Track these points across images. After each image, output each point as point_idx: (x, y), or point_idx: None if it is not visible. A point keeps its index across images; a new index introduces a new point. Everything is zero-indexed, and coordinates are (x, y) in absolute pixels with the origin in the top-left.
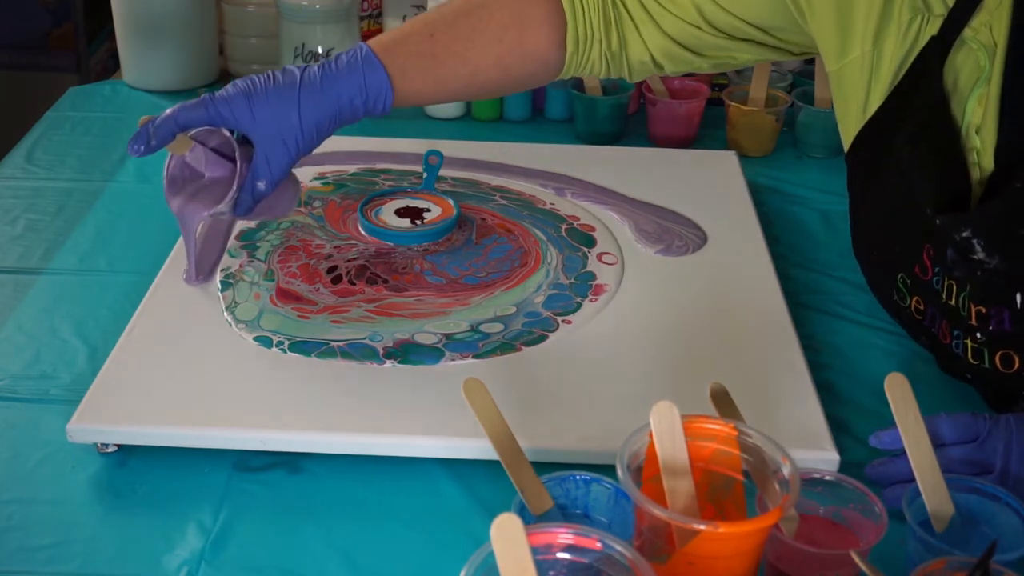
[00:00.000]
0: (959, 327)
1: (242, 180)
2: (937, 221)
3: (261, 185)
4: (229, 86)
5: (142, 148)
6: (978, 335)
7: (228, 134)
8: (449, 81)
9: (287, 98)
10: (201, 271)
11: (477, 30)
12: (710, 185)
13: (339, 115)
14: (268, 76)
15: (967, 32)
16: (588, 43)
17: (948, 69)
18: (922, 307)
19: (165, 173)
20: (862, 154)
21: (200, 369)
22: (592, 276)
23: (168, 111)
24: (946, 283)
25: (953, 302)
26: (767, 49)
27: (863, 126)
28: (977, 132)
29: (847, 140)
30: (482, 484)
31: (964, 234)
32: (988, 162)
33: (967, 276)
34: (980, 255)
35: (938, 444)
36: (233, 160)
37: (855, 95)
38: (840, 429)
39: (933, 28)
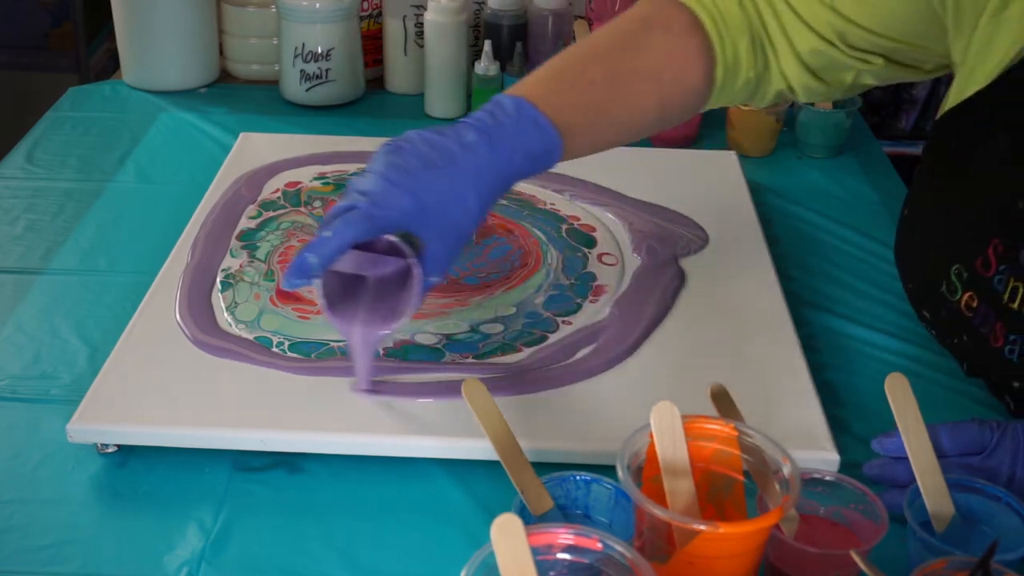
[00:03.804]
0: (1018, 331)
1: (420, 284)
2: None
3: (434, 279)
4: (377, 180)
5: (304, 283)
6: None
7: (391, 239)
8: (611, 132)
9: (458, 182)
10: (367, 379)
11: (637, 73)
12: (710, 185)
13: (506, 185)
14: (420, 158)
15: None
16: (735, 72)
17: None
18: (975, 304)
19: (320, 295)
20: (951, 129)
21: (200, 369)
22: (592, 277)
23: (326, 234)
24: (1011, 284)
25: (1016, 305)
26: (898, 67)
27: (960, 103)
28: None
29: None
30: (482, 484)
31: None
32: None
33: None
34: None
35: (940, 455)
36: (378, 251)
37: (962, 68)
38: (840, 429)
39: None
